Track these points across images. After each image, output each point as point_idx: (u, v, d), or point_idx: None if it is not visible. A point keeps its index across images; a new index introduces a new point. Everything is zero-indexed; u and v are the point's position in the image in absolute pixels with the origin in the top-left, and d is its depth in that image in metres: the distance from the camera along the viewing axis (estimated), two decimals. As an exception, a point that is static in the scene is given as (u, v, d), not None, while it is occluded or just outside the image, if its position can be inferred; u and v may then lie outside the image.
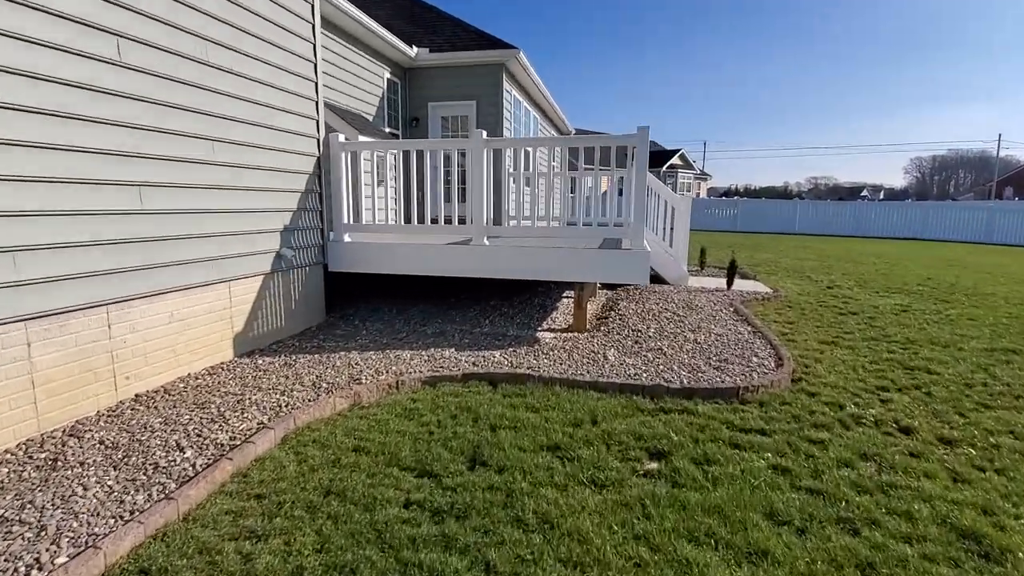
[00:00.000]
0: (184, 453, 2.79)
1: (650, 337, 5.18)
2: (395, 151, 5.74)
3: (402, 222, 5.92)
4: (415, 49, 9.84)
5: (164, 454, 2.77)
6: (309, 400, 3.50)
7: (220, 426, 3.10)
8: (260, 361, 4.32)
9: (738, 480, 2.66)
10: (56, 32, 2.98)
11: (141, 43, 3.46)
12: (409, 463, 2.78)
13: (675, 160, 43.00)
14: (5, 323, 2.81)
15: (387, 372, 4.07)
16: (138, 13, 3.42)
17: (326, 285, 5.86)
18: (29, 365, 2.93)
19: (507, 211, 5.30)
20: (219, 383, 3.81)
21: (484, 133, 5.14)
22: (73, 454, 2.76)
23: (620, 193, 6.17)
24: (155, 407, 3.37)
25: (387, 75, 9.72)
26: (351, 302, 6.65)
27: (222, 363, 4.26)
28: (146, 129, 3.53)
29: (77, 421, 3.16)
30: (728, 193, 75.15)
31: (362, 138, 6.03)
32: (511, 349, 4.76)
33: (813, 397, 3.84)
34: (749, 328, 5.63)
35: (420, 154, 5.41)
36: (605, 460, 2.84)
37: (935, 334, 5.72)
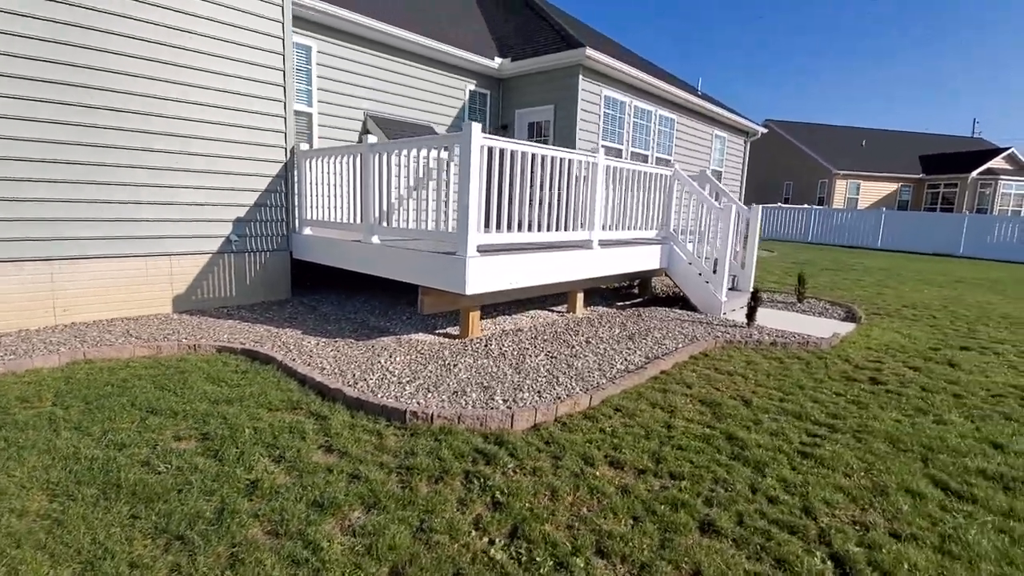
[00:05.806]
0: None
1: (461, 366, 4.78)
2: (340, 157, 6.32)
3: (349, 220, 6.54)
4: (498, 60, 10.32)
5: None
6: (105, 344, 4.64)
7: None
8: (183, 316, 5.69)
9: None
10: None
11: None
12: None
13: (995, 163, 32.07)
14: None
15: (215, 339, 4.94)
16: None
17: (303, 271, 7.08)
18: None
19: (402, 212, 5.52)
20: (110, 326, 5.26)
21: (373, 138, 5.50)
22: None
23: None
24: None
25: (471, 87, 10.46)
26: (337, 289, 7.69)
27: (156, 314, 5.79)
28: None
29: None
30: None
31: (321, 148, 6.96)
32: (348, 340, 5.09)
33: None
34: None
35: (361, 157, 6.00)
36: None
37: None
